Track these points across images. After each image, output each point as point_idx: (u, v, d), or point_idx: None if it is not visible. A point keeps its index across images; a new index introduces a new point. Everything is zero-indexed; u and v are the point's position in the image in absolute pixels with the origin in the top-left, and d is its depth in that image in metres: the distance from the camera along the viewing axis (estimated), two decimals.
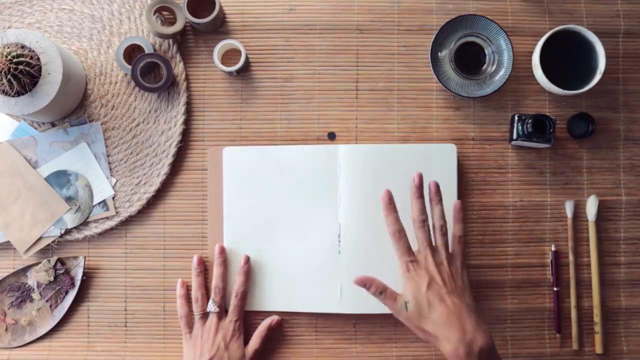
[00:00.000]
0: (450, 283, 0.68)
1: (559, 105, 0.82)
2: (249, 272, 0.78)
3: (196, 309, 0.77)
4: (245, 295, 0.77)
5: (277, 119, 0.82)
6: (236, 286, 0.77)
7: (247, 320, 0.79)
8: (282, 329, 0.80)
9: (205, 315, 0.76)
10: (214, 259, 0.78)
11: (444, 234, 0.71)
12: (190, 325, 0.77)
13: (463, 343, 0.63)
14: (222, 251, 0.78)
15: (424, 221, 0.70)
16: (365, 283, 0.69)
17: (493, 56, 0.79)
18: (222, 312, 0.77)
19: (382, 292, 0.68)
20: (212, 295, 0.77)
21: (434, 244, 0.71)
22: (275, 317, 0.78)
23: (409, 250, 0.69)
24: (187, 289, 0.79)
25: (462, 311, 0.66)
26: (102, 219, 0.81)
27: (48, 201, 0.80)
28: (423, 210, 0.71)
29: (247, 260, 0.78)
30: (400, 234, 0.70)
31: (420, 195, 0.71)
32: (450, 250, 0.71)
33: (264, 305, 0.78)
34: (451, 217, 0.73)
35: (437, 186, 0.72)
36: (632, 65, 0.83)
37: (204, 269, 0.79)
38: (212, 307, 0.76)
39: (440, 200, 0.72)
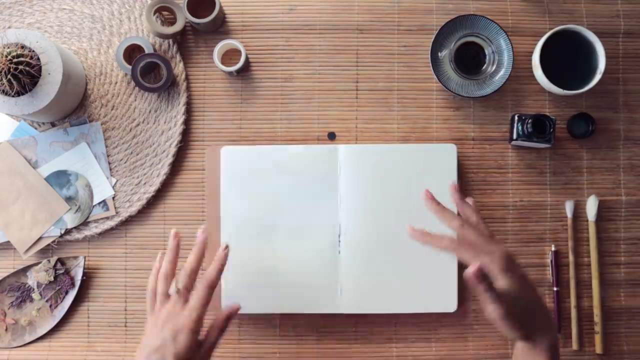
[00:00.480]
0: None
1: (559, 105, 0.82)
2: (225, 261, 0.69)
3: (160, 288, 0.67)
4: (213, 285, 0.67)
5: (277, 119, 0.82)
6: (207, 272, 0.67)
7: (245, 321, 0.80)
8: (282, 329, 0.80)
9: (167, 296, 0.67)
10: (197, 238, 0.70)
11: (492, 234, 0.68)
12: (153, 302, 0.68)
13: (554, 335, 0.62)
14: (204, 232, 0.70)
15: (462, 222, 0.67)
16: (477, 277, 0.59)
17: (493, 56, 0.79)
18: (186, 296, 0.66)
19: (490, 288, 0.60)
20: (180, 275, 0.67)
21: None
22: (235, 305, 0.69)
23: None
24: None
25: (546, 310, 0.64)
26: (102, 219, 0.81)
27: (48, 201, 0.80)
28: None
29: (226, 247, 0.69)
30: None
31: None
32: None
33: (264, 306, 0.78)
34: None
35: (456, 188, 0.71)
36: (632, 65, 0.83)
37: (179, 245, 0.70)
38: (172, 289, 0.67)
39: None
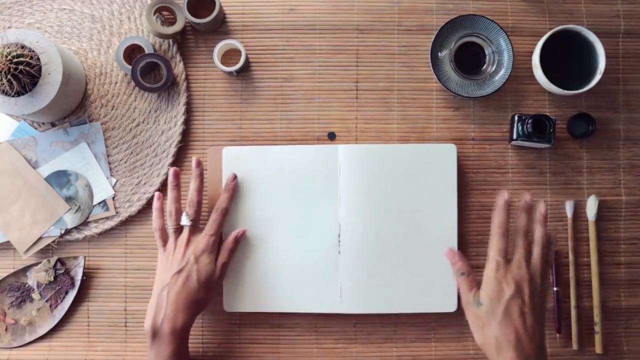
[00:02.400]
0: (533, 302, 0.66)
1: (559, 105, 0.82)
2: (235, 190, 0.77)
3: (170, 223, 0.74)
4: (226, 212, 0.76)
5: (277, 119, 0.82)
6: (219, 201, 0.76)
7: (245, 320, 0.80)
8: (282, 329, 0.80)
9: (179, 229, 0.74)
10: (192, 173, 0.76)
11: (546, 252, 0.69)
12: (164, 239, 0.75)
13: None
14: (199, 164, 0.76)
15: (528, 232, 0.69)
16: (453, 258, 0.71)
17: (493, 56, 0.79)
18: (196, 226, 0.75)
19: (464, 273, 0.69)
20: (187, 208, 0.75)
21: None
22: (240, 229, 0.77)
23: (505, 251, 0.68)
24: (164, 203, 0.77)
25: (535, 335, 0.65)
26: (102, 219, 0.81)
27: (48, 201, 0.80)
28: (527, 223, 0.69)
29: (234, 177, 0.77)
30: (504, 232, 0.69)
31: (529, 210, 0.70)
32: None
33: (264, 305, 0.78)
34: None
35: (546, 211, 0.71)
36: (632, 65, 0.83)
37: (180, 183, 0.76)
38: (185, 220, 0.74)
39: (546, 223, 0.70)
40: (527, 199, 0.70)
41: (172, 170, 0.76)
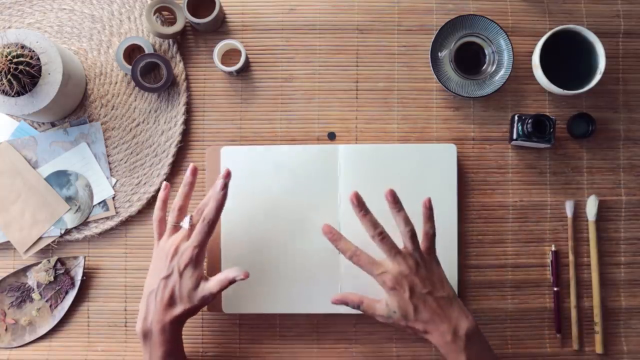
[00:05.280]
0: (428, 282, 0.68)
1: (559, 105, 0.82)
2: (224, 200, 0.70)
3: (171, 218, 0.73)
4: (213, 223, 0.69)
5: (277, 119, 0.82)
6: (206, 210, 0.70)
7: (245, 321, 0.80)
8: (282, 329, 0.80)
9: (176, 228, 0.72)
10: (217, 180, 0.71)
11: (412, 235, 0.69)
12: (161, 232, 0.73)
13: (449, 331, 0.67)
14: (228, 175, 0.71)
15: (382, 233, 0.68)
16: (342, 301, 0.70)
17: (493, 56, 0.79)
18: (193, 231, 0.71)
19: (359, 305, 0.70)
20: (195, 213, 0.72)
21: (402, 249, 0.69)
22: (241, 273, 0.70)
23: (374, 262, 0.69)
24: (170, 195, 0.76)
25: (444, 304, 0.68)
26: (102, 219, 0.81)
27: (48, 201, 0.80)
28: (376, 223, 0.69)
29: (224, 186, 0.70)
30: (359, 251, 0.69)
31: (367, 211, 0.69)
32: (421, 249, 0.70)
33: (264, 306, 0.78)
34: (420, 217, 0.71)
35: (394, 195, 0.69)
36: (632, 65, 0.83)
37: (195, 181, 0.74)
38: (186, 223, 0.72)
39: (401, 207, 0.69)
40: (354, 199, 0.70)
41: (191, 166, 0.74)
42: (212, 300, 0.71)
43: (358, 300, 0.70)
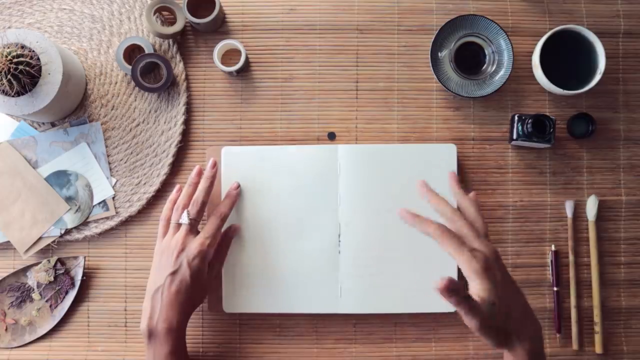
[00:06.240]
0: (499, 263, 0.61)
1: (559, 105, 0.82)
2: (237, 198, 0.77)
3: (174, 217, 0.74)
4: (225, 217, 0.75)
5: (277, 119, 0.82)
6: (220, 205, 0.75)
7: (245, 321, 0.80)
8: (282, 329, 0.80)
9: (179, 226, 0.73)
10: (204, 172, 0.76)
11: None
12: (165, 231, 0.74)
13: (538, 336, 0.61)
14: (214, 166, 0.76)
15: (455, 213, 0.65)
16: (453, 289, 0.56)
17: (493, 56, 0.79)
18: (195, 226, 0.73)
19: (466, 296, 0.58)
20: (190, 207, 0.73)
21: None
22: (232, 226, 0.77)
23: (462, 241, 0.61)
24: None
25: (526, 302, 0.62)
26: (102, 219, 0.81)
27: (48, 201, 0.80)
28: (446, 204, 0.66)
29: (238, 186, 0.78)
30: (443, 227, 0.62)
31: (435, 193, 0.68)
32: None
33: (264, 306, 0.78)
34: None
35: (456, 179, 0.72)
36: (632, 65, 0.83)
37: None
38: (184, 218, 0.73)
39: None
40: (422, 184, 0.70)
41: (196, 167, 0.77)
42: (216, 275, 0.75)
43: (464, 292, 0.57)
